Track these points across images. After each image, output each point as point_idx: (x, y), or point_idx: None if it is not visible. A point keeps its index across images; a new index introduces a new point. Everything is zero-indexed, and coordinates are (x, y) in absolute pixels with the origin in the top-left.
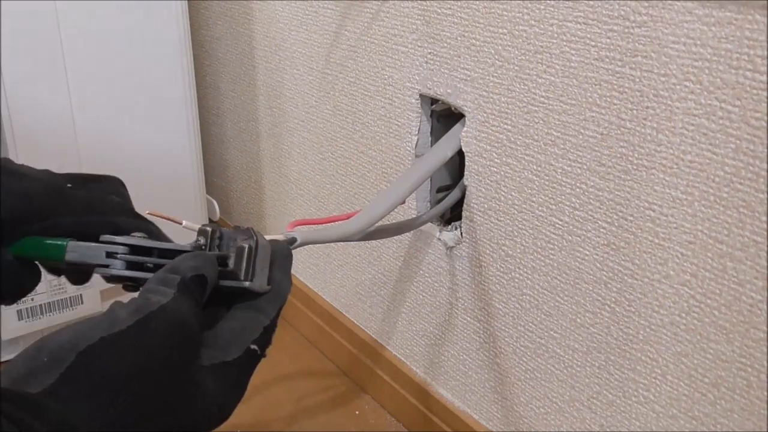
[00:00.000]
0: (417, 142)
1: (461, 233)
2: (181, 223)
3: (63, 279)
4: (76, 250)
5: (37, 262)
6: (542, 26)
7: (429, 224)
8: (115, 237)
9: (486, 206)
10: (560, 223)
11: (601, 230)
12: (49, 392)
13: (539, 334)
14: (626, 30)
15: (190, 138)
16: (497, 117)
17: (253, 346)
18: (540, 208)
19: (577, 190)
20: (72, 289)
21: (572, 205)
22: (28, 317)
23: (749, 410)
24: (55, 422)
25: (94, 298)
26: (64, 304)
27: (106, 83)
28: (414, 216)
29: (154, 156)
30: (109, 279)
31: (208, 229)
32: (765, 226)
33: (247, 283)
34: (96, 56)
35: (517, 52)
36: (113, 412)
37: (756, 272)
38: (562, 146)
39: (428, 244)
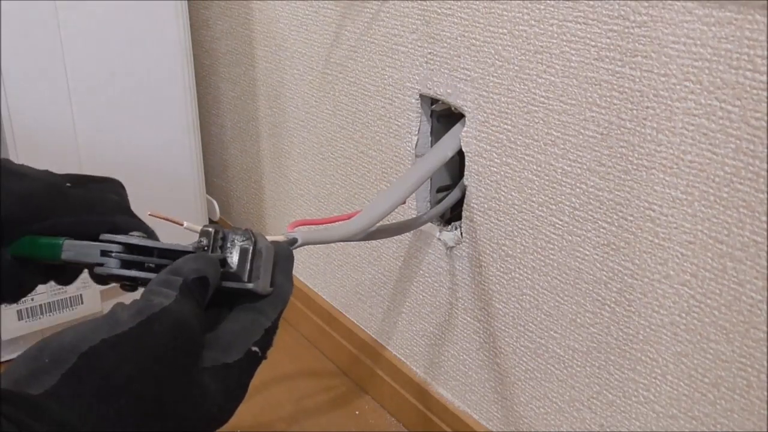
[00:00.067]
0: (417, 142)
1: (461, 233)
2: (182, 225)
3: None
4: (72, 248)
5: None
6: (542, 26)
7: (429, 224)
8: (115, 236)
9: (486, 206)
10: (560, 223)
11: (601, 230)
12: (51, 393)
13: (539, 334)
14: (626, 30)
15: (190, 138)
16: (497, 117)
17: (255, 348)
18: (540, 208)
19: (577, 190)
20: (72, 289)
21: (572, 205)
22: (28, 317)
23: (749, 410)
24: (56, 423)
25: (94, 298)
26: (64, 304)
27: (106, 83)
28: (414, 216)
29: (154, 156)
30: (107, 278)
31: (211, 230)
32: (765, 226)
33: (250, 285)
34: (96, 56)
35: (517, 52)
36: (114, 413)
37: (756, 272)
38: (562, 146)
39: (428, 244)
